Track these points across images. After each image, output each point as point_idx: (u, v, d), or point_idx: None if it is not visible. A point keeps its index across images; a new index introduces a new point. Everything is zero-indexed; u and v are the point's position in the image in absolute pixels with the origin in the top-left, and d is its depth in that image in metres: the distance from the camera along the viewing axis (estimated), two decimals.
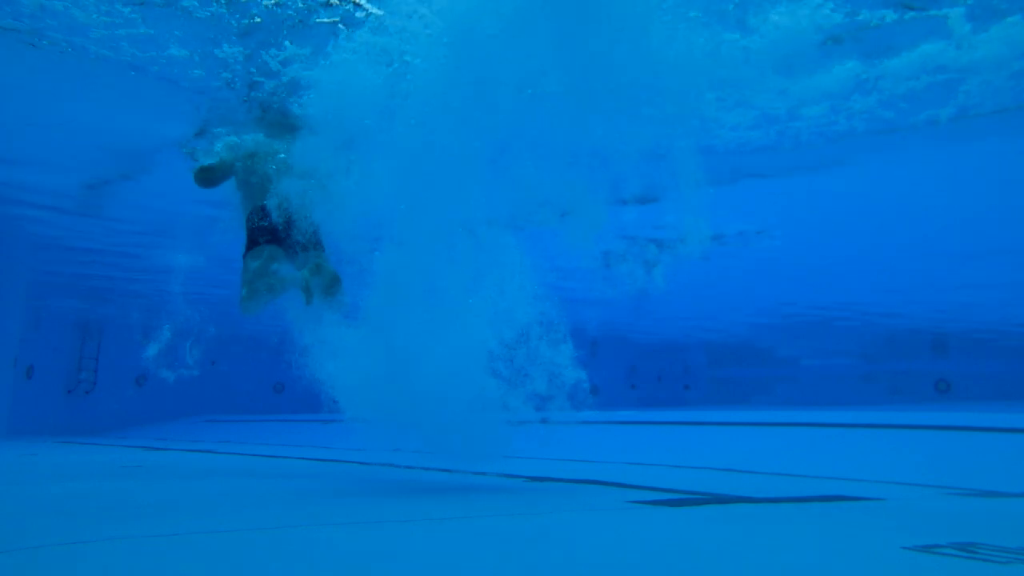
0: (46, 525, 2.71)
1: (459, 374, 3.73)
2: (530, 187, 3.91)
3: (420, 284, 3.92)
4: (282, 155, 5.48)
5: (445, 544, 2.26)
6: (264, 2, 5.31)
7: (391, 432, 4.25)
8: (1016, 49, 5.74)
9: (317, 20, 5.54)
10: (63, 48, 5.89)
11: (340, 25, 5.56)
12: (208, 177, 5.74)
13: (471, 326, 3.81)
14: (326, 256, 5.24)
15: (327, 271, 5.05)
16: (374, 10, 5.40)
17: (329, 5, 5.35)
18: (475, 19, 3.86)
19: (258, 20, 5.49)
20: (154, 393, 20.35)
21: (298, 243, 5.15)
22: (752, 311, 18.88)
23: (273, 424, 15.90)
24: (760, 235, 11.48)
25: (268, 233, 5.19)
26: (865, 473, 5.26)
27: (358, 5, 5.33)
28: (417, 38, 5.37)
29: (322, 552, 2.09)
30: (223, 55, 5.99)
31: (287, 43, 5.80)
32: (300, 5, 5.36)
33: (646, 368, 26.71)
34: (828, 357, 23.19)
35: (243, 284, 5.18)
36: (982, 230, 11.20)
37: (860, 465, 5.68)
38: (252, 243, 5.28)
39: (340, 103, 5.24)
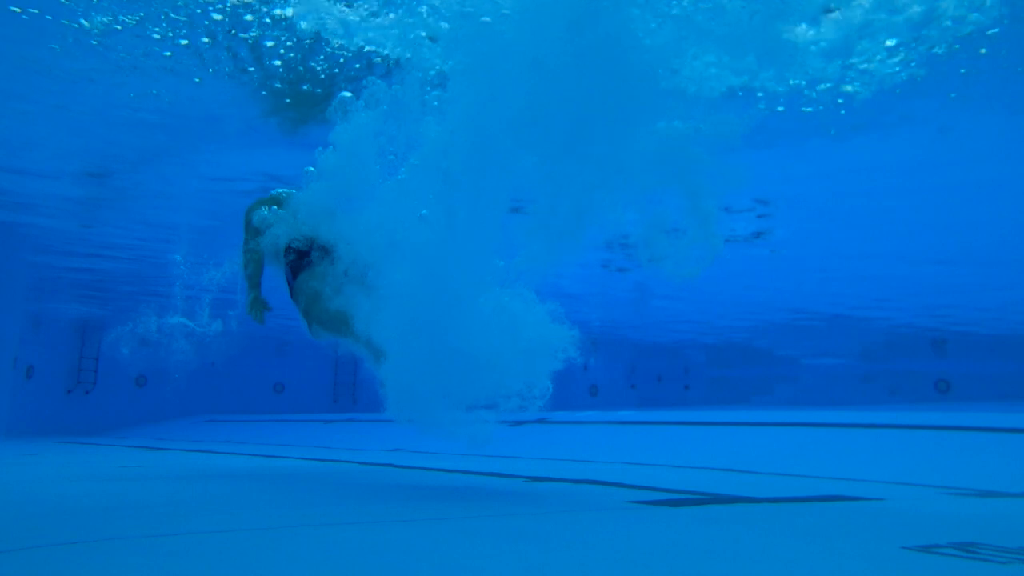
0: (46, 525, 2.71)
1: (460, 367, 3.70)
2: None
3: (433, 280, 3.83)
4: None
5: (445, 544, 2.27)
6: None
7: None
8: None
9: None
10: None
11: None
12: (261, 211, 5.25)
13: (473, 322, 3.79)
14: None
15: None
16: None
17: None
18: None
19: None
20: (154, 393, 20.38)
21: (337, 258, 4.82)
22: (752, 310, 18.87)
23: (273, 424, 15.92)
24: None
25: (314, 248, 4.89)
26: (865, 473, 5.26)
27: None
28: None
29: (322, 552, 2.09)
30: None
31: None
32: None
33: (646, 368, 26.73)
34: (828, 357, 23.20)
35: (307, 315, 4.78)
36: (982, 228, 11.18)
37: (860, 465, 5.68)
38: (299, 259, 4.90)
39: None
